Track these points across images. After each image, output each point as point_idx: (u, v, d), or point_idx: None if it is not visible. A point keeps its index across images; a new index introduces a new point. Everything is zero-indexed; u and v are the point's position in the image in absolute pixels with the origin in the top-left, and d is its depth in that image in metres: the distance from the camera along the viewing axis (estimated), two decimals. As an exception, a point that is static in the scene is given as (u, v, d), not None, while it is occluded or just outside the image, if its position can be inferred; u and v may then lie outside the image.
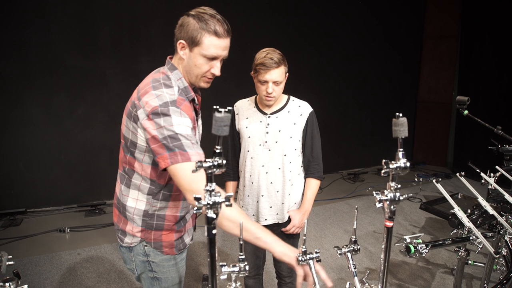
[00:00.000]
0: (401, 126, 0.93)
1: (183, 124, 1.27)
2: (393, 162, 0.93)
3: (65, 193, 4.29)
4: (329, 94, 5.64)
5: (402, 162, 0.93)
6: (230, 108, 0.78)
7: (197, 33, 1.32)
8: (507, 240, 2.49)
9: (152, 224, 1.46)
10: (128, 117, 1.39)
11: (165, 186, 1.42)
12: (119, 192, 1.51)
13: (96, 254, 3.32)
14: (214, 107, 0.78)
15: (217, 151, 0.78)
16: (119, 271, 3.07)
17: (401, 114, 0.93)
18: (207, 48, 1.34)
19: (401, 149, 0.93)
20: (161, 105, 1.27)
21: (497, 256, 2.10)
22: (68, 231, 3.73)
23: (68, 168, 4.25)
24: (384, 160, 0.92)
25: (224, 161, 0.79)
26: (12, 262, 1.55)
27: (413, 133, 6.52)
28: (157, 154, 1.26)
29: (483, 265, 3.12)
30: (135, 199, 1.45)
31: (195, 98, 1.46)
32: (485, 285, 2.59)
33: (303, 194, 2.10)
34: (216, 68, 1.39)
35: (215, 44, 1.34)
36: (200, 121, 1.63)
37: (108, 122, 4.23)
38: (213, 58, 1.37)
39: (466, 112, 2.39)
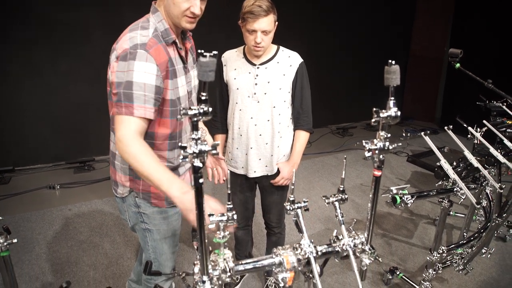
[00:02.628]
0: (393, 74, 0.90)
1: (143, 71, 1.25)
2: (383, 111, 0.91)
3: (53, 150, 4.24)
4: (318, 47, 5.51)
5: (393, 111, 0.91)
6: (215, 52, 0.74)
7: None
8: (488, 192, 2.58)
9: None
10: (110, 64, 1.38)
11: (146, 134, 1.40)
12: (111, 142, 1.50)
13: (87, 209, 3.34)
14: (199, 51, 0.74)
15: (203, 98, 0.75)
16: (110, 225, 3.11)
17: (393, 62, 0.90)
18: None
19: (392, 98, 0.91)
20: (131, 47, 1.26)
21: (478, 206, 2.19)
22: (58, 187, 3.73)
23: (54, 124, 4.16)
24: (374, 109, 0.91)
25: (211, 109, 0.76)
26: (0, 218, 1.55)
27: (403, 88, 6.50)
28: (113, 98, 1.29)
29: (463, 215, 3.25)
30: None
31: (177, 41, 1.41)
32: (465, 233, 2.72)
33: (292, 146, 2.10)
34: (195, 7, 1.33)
35: None
36: (193, 72, 1.57)
37: (93, 77, 4.06)
38: None
39: (458, 65, 2.36)
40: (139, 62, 1.24)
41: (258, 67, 1.91)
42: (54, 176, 3.99)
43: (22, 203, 3.45)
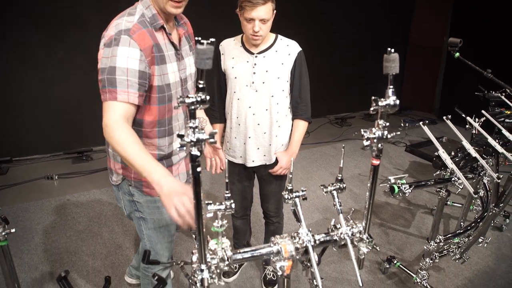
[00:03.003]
0: (392, 62, 0.89)
1: (126, 56, 1.24)
2: (382, 99, 0.91)
3: (51, 141, 4.22)
4: (316, 36, 5.46)
5: (392, 99, 0.90)
6: (213, 39, 0.72)
7: None
8: (485, 182, 2.58)
9: None
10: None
11: (134, 121, 1.39)
12: None
13: (85, 200, 3.35)
14: (196, 38, 0.73)
15: (200, 86, 0.74)
16: (109, 215, 3.12)
17: (392, 50, 0.89)
18: None
19: (391, 86, 0.91)
20: (116, 33, 1.26)
21: (476, 196, 2.20)
22: (56, 178, 3.73)
23: (52, 115, 4.13)
24: (373, 97, 0.90)
25: (208, 97, 0.75)
26: (-1, 208, 1.55)
27: (402, 78, 6.48)
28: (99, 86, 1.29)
29: (461, 205, 3.27)
30: None
31: (165, 26, 1.39)
32: (462, 223, 2.73)
33: (290, 136, 2.09)
34: None
35: None
36: (189, 59, 1.56)
37: (90, 66, 4.00)
38: None
39: (457, 54, 2.34)
40: (122, 47, 1.24)
41: (256, 56, 1.90)
42: (52, 166, 3.98)
43: (20, 193, 3.44)
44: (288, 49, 1.91)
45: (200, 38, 0.72)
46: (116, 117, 1.23)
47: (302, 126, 2.04)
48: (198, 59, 0.71)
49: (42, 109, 4.07)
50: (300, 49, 1.94)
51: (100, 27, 1.38)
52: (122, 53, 1.23)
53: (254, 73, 1.90)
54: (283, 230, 2.42)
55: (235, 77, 1.94)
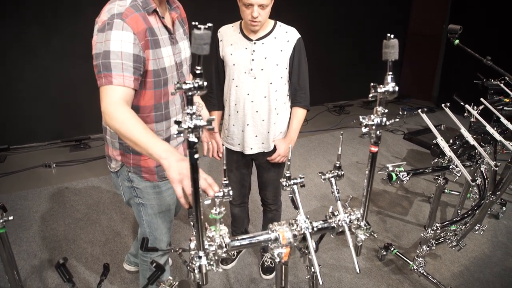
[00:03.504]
0: (392, 48, 0.88)
1: (120, 40, 1.23)
2: (381, 86, 0.90)
3: (48, 129, 4.20)
4: (316, 23, 5.41)
5: (390, 86, 0.89)
6: (210, 24, 0.71)
7: None
8: (483, 170, 2.59)
9: (129, 146, 1.45)
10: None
11: (134, 106, 1.39)
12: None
13: (83, 187, 3.35)
14: (193, 23, 0.71)
15: (197, 72, 0.73)
16: (107, 202, 3.12)
17: (392, 36, 0.88)
18: None
19: (390, 73, 0.90)
20: (108, 18, 1.25)
21: (473, 184, 2.20)
22: (54, 166, 3.72)
23: (49, 103, 4.11)
24: (372, 84, 0.89)
25: (206, 83, 0.74)
26: (-4, 196, 1.54)
27: (400, 67, 6.45)
28: (95, 72, 1.27)
29: (458, 193, 3.29)
30: None
31: (158, 10, 1.37)
32: (459, 211, 2.75)
33: (288, 123, 2.08)
34: None
35: None
36: (183, 43, 1.54)
37: (87, 54, 3.97)
38: None
39: (457, 41, 2.32)
40: (115, 31, 1.22)
41: (255, 43, 1.88)
42: (50, 154, 3.98)
43: (18, 181, 3.44)
44: (287, 36, 1.89)
45: (197, 23, 0.70)
46: (113, 100, 1.21)
47: (300, 113, 2.03)
48: (195, 45, 0.70)
49: (39, 98, 4.04)
50: (299, 36, 1.92)
51: (96, 15, 1.36)
52: (115, 37, 1.22)
53: (253, 60, 1.88)
54: (281, 218, 2.43)
55: (234, 64, 1.92)
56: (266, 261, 2.41)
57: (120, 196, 1.64)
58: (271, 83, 1.92)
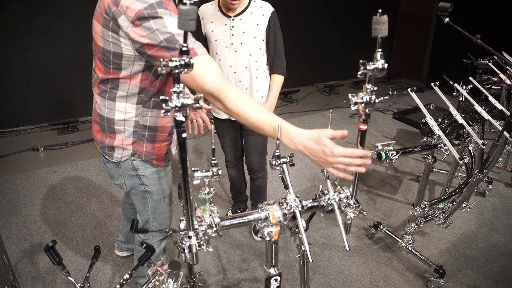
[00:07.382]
0: (382, 24, 0.87)
1: (175, 25, 1.13)
2: (370, 63, 0.89)
3: (35, 112, 4.12)
4: (306, 3, 5.34)
5: (380, 63, 0.88)
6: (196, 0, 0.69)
7: None
8: (470, 149, 2.63)
9: (144, 135, 1.43)
10: (104, 27, 1.22)
11: (156, 93, 1.36)
12: (102, 107, 1.40)
13: (73, 171, 3.32)
14: (178, -2, 0.69)
15: (184, 49, 0.71)
16: (97, 185, 3.10)
17: (382, 11, 0.86)
18: None
19: (380, 50, 0.89)
20: (146, 8, 1.12)
21: (461, 162, 2.23)
22: (42, 150, 3.67)
23: (35, 85, 4.02)
24: (361, 61, 0.88)
25: (192, 61, 0.72)
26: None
27: (390, 46, 6.43)
28: (157, 58, 1.15)
29: (446, 172, 3.34)
30: (122, 111, 1.38)
31: None
32: (446, 189, 2.80)
33: (268, 89, 2.24)
34: None
35: None
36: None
37: (72, 34, 3.90)
38: None
39: (447, 19, 2.31)
40: (167, 18, 1.14)
41: (233, 19, 2.02)
42: (38, 138, 3.92)
43: (5, 166, 3.39)
44: (261, 10, 2.04)
45: (182, -2, 0.68)
46: (212, 77, 1.11)
47: (279, 79, 2.20)
48: (181, 21, 0.67)
49: (25, 80, 3.95)
50: (273, 9, 2.07)
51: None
52: (170, 23, 1.13)
53: (232, 35, 2.03)
54: (267, 186, 2.59)
55: (216, 40, 2.06)
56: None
57: (120, 186, 1.58)
58: (250, 55, 2.08)
